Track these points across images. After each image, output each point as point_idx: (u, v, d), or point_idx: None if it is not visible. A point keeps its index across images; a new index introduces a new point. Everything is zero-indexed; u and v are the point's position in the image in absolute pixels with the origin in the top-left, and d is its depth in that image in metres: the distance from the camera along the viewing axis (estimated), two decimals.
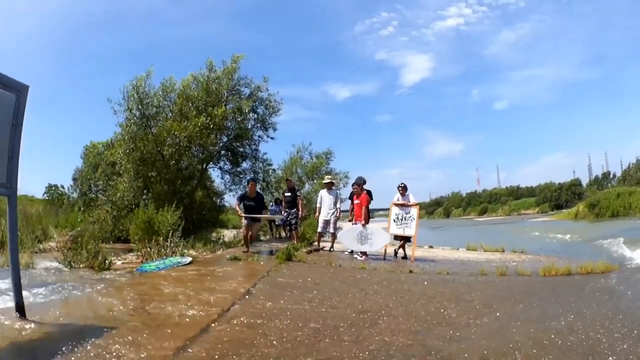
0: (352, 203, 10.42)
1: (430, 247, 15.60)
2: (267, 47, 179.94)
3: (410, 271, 7.96)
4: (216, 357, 2.73)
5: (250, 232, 9.92)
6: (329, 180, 11.55)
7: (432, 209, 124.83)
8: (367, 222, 10.06)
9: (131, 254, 9.13)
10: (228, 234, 14.42)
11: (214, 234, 12.93)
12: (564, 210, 66.52)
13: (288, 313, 4.10)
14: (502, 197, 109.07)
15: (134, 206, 12.17)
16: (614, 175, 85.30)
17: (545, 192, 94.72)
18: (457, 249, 14.97)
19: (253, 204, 9.87)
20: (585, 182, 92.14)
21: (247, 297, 4.65)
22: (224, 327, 3.39)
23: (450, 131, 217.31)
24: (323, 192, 11.18)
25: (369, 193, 10.36)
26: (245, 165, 15.90)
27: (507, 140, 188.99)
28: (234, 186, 15.85)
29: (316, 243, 11.28)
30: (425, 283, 6.89)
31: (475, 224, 63.81)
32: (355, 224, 10.05)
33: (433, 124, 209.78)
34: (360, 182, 10.47)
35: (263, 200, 10.38)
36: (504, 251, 13.77)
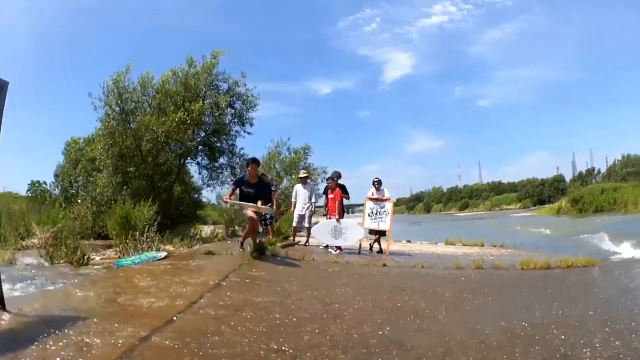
0: (327, 198, 10.62)
1: (408, 241, 15.78)
2: (251, 41, 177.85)
3: (384, 265, 8.03)
4: (177, 344, 2.93)
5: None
6: (304, 175, 11.70)
7: (413, 204, 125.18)
8: (341, 216, 10.19)
9: (110, 249, 9.23)
10: (206, 230, 14.46)
11: (192, 230, 13.06)
12: (546, 206, 66.30)
13: (254, 305, 4.26)
14: (483, 193, 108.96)
15: (113, 202, 12.16)
16: (599, 172, 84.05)
17: (528, 188, 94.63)
18: (436, 243, 15.12)
19: (252, 191, 8.05)
20: (569, 179, 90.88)
21: (216, 289, 4.83)
22: (189, 318, 3.60)
23: (431, 128, 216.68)
24: (298, 187, 11.35)
25: (342, 187, 10.57)
26: (222, 160, 15.99)
27: (489, 138, 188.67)
28: (211, 181, 16.04)
29: (292, 237, 11.44)
30: (397, 276, 7.04)
31: (456, 219, 63.88)
32: (330, 218, 10.23)
33: (414, 121, 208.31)
34: (334, 177, 10.67)
35: (267, 188, 9.05)
36: (483, 245, 13.96)
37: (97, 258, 8.14)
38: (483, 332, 3.73)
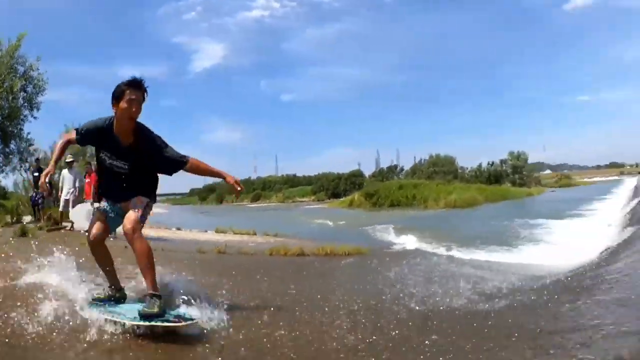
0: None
1: (178, 229, 16.58)
2: (67, 21, 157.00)
3: (125, 247, 8.28)
4: None
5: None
6: (70, 160, 11.43)
7: (205, 195, 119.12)
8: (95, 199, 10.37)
9: None
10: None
11: None
12: (340, 199, 67.89)
13: None
14: (277, 185, 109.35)
15: None
16: (402, 169, 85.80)
17: (323, 181, 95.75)
18: (206, 231, 15.95)
19: (125, 166, 3.47)
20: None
21: None
22: None
23: (234, 119, 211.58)
24: (65, 172, 11.39)
25: None
26: (13, 146, 15.62)
27: (291, 132, 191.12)
28: (5, 167, 15.60)
29: (60, 222, 11.40)
30: (125, 258, 7.22)
31: (246, 210, 65.65)
32: (86, 202, 10.53)
33: (217, 111, 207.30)
34: (90, 160, 11.16)
35: (157, 150, 3.48)
36: (254, 234, 14.53)
37: None
38: None
